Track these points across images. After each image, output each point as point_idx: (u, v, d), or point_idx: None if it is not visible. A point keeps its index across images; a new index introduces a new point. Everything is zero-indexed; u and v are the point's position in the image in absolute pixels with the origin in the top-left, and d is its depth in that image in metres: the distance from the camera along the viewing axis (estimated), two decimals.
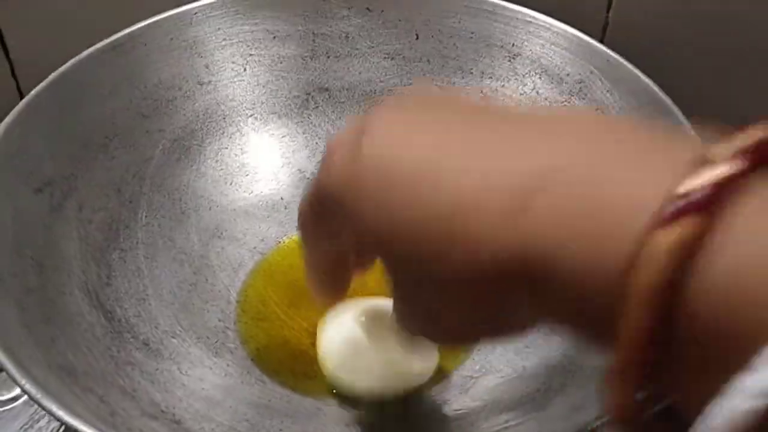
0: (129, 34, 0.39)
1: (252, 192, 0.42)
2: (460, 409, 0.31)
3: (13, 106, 0.54)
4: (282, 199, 0.42)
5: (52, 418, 0.36)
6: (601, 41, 0.43)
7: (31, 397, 0.24)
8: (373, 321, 0.31)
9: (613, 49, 0.39)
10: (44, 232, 0.33)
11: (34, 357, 0.27)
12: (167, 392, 0.31)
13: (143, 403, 0.30)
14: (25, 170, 0.34)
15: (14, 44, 0.53)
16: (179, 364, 0.33)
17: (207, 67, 0.42)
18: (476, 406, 0.32)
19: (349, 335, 0.31)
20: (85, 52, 0.38)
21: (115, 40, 0.39)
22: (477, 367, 0.33)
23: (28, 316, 0.29)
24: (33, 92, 0.35)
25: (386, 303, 0.27)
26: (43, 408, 0.24)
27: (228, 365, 0.34)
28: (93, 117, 0.38)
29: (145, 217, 0.38)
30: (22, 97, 0.54)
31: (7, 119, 0.34)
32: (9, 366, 0.25)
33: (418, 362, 0.31)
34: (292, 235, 0.40)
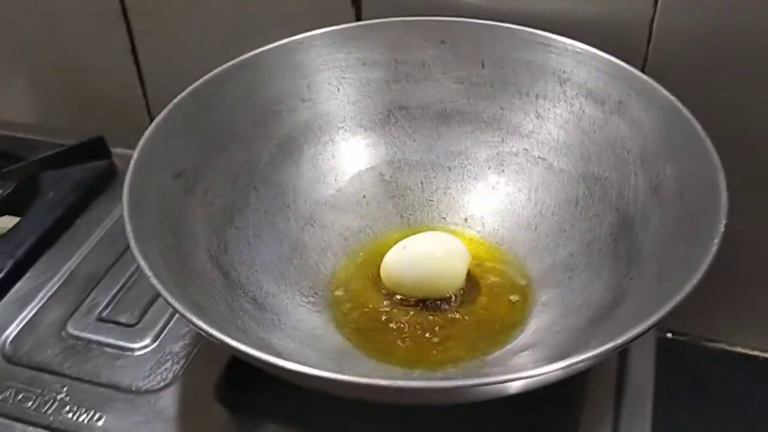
0: (247, 58, 0.49)
1: (340, 190, 0.50)
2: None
3: (143, 117, 0.65)
4: (364, 197, 0.50)
5: (174, 361, 0.45)
6: (642, 70, 0.50)
7: (179, 313, 0.33)
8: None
9: (651, 77, 0.46)
10: (180, 209, 0.43)
11: (177, 294, 0.36)
12: (269, 333, 0.39)
13: (252, 337, 0.38)
14: (167, 160, 0.43)
15: (147, 66, 0.64)
16: (278, 316, 0.42)
17: (308, 86, 0.50)
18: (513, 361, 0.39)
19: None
20: (214, 72, 0.47)
21: (237, 63, 0.48)
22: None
23: (170, 266, 0.38)
24: (175, 101, 0.45)
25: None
26: (189, 321, 0.32)
27: (316, 322, 0.42)
28: (218, 122, 0.47)
29: (255, 204, 0.47)
30: (149, 109, 0.65)
31: (156, 120, 0.43)
32: (168, 297, 0.33)
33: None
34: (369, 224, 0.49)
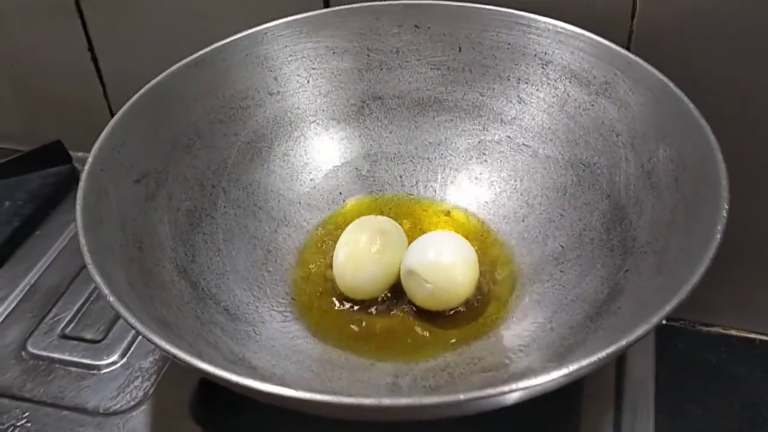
0: (209, 51, 0.46)
1: (314, 187, 0.47)
2: (494, 361, 0.36)
3: (105, 118, 0.62)
4: (340, 193, 0.47)
5: (144, 378, 0.42)
6: (627, 48, 0.47)
7: (140, 334, 0.30)
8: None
9: (637, 54, 0.43)
10: (142, 216, 0.39)
11: (139, 310, 0.33)
12: (244, 346, 0.37)
13: (224, 351, 0.35)
14: (127, 164, 0.40)
15: (105, 64, 0.60)
16: (253, 327, 0.39)
17: (276, 79, 0.47)
18: (503, 361, 0.36)
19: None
20: (174, 67, 0.44)
21: (198, 57, 0.45)
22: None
23: (132, 279, 0.35)
24: (131, 100, 0.42)
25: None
26: (152, 341, 0.29)
27: (294, 330, 0.40)
28: (180, 121, 0.44)
29: (224, 207, 0.44)
30: (111, 109, 0.62)
31: (112, 121, 0.40)
32: (124, 313, 0.30)
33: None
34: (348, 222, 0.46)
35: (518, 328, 0.38)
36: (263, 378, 0.33)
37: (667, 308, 0.29)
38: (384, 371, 0.37)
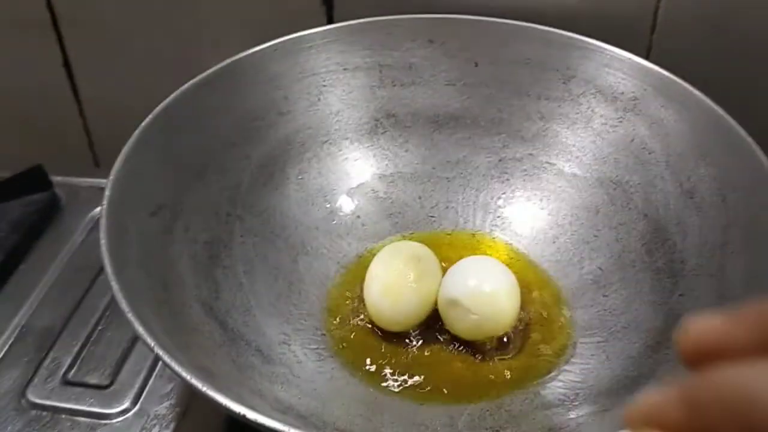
0: (218, 70, 0.43)
1: (331, 212, 0.45)
2: (551, 402, 0.34)
3: (80, 140, 0.58)
4: (358, 217, 0.45)
5: (162, 426, 0.39)
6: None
7: (193, 388, 0.27)
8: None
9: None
10: (162, 252, 0.36)
11: (179, 359, 0.30)
12: (286, 392, 0.34)
13: (270, 400, 0.32)
14: (142, 195, 0.37)
15: (83, 82, 0.56)
16: (290, 368, 0.36)
17: (285, 98, 0.45)
18: (565, 396, 0.35)
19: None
20: (182, 88, 0.41)
21: (208, 76, 0.42)
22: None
23: (165, 325, 0.32)
24: (143, 125, 0.38)
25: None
26: (206, 397, 0.27)
27: (332, 368, 0.37)
28: (190, 146, 0.41)
29: (240, 236, 0.41)
30: (87, 131, 0.58)
31: (125, 150, 0.37)
32: (171, 363, 0.28)
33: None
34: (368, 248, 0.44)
35: (568, 356, 0.37)
36: (318, 429, 0.31)
37: None
38: (436, 412, 0.35)
